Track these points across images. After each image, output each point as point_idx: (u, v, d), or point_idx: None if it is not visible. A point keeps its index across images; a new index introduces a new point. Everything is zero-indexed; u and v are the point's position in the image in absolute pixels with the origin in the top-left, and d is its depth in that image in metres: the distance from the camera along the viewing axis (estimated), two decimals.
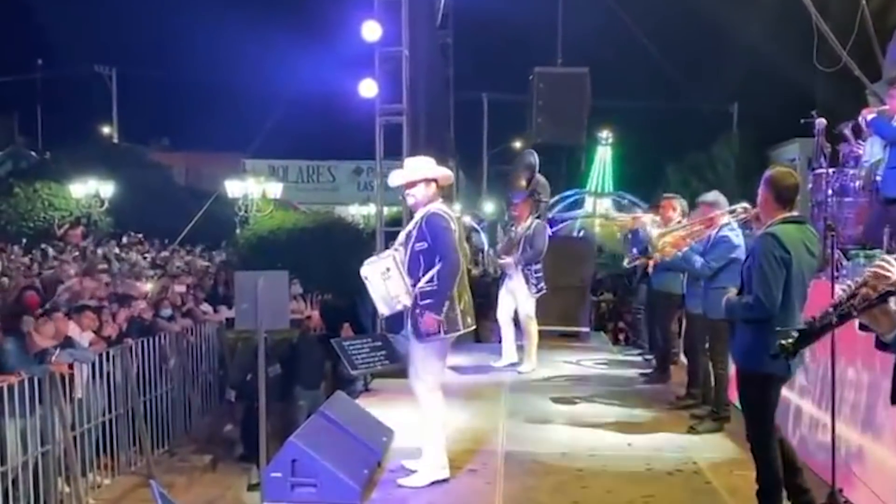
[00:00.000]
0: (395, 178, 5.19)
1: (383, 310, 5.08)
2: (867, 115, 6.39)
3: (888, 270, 2.49)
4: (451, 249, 4.88)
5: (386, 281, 4.93)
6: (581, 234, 20.72)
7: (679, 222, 6.82)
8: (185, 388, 9.70)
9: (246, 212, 19.01)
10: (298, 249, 11.85)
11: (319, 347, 9.22)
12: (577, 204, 24.01)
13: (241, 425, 8.88)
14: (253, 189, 19.45)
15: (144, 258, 17.22)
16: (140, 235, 20.51)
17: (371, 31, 9.93)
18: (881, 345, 2.61)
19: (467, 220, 14.64)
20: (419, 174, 5.08)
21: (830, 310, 2.70)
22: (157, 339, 8.94)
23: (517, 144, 15.76)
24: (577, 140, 10.50)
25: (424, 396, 5.00)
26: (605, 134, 23.43)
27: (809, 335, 2.63)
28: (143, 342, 8.67)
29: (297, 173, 25.60)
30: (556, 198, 21.18)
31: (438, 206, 5.02)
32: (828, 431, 4.71)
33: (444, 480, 5.03)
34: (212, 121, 26.89)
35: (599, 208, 20.03)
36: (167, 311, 10.14)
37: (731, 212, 6.11)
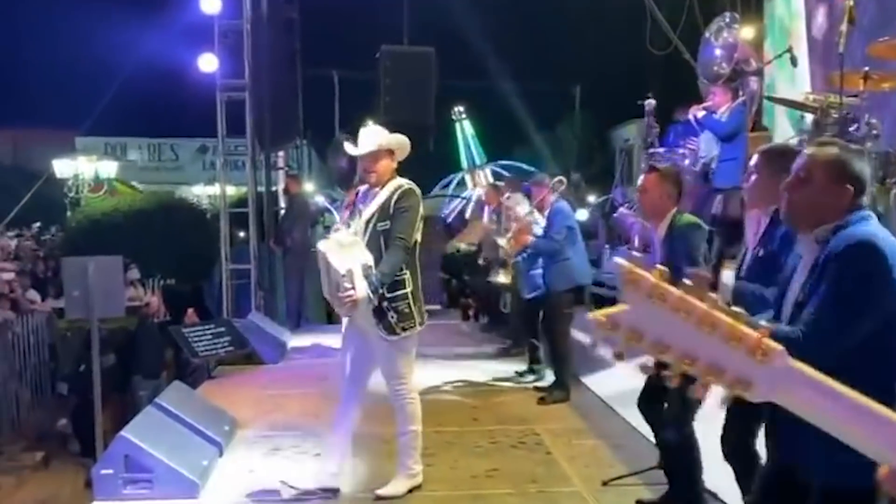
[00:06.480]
0: (351, 149, 4.51)
1: (369, 303, 4.28)
2: (697, 113, 6.64)
3: None
4: (414, 230, 4.36)
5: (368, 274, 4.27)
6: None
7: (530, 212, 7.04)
8: (10, 382, 9.05)
9: (77, 193, 17.86)
10: (137, 232, 11.20)
11: (160, 335, 8.81)
12: (461, 186, 23.73)
13: (74, 420, 8.37)
14: (85, 168, 18.27)
15: None
16: None
17: (210, 3, 9.58)
18: None
19: (320, 199, 14.45)
20: (374, 144, 4.39)
21: None
22: None
23: (370, 123, 15.55)
24: (426, 120, 10.43)
25: (406, 397, 4.52)
26: (459, 110, 23.51)
27: None
28: None
29: (136, 152, 24.17)
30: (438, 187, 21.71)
31: (405, 181, 4.46)
32: None
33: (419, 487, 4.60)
34: (41, 96, 24.99)
35: (481, 181, 19.85)
36: None
37: (552, 189, 6.69)
